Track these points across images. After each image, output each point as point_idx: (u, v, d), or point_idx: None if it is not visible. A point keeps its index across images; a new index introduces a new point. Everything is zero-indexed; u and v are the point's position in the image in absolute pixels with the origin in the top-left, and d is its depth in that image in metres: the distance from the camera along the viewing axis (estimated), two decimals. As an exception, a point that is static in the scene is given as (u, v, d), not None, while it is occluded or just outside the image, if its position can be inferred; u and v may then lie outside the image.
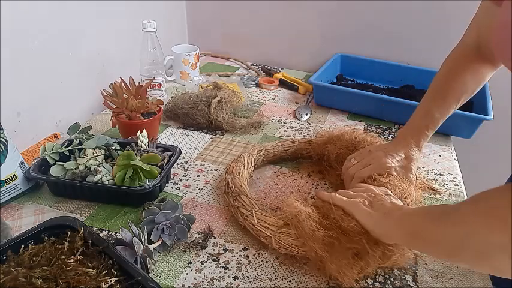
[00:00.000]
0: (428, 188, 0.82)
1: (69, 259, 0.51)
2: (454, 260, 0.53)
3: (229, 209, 0.72)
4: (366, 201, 0.62)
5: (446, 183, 0.84)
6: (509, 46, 0.45)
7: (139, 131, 0.79)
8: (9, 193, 0.71)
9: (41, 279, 0.47)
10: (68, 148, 0.75)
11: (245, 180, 0.75)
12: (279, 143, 0.87)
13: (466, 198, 0.80)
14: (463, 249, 0.45)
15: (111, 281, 0.49)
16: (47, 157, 0.73)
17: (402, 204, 0.62)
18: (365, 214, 0.59)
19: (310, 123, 1.05)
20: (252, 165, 0.81)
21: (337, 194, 0.65)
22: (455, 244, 0.46)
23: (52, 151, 0.74)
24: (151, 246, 0.61)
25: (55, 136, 0.94)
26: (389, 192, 0.66)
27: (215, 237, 0.67)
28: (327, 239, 0.59)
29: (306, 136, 0.99)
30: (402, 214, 0.57)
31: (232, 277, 0.60)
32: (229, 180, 0.73)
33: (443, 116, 0.74)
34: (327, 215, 0.63)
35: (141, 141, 0.78)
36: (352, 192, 0.66)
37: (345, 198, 0.63)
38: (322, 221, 0.62)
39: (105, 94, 0.86)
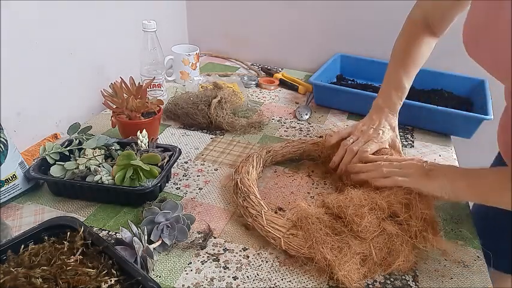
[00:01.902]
0: None
1: (69, 259, 0.51)
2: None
3: (234, 211, 0.72)
4: (423, 173, 0.68)
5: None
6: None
7: (139, 131, 0.79)
8: (9, 193, 0.71)
9: (41, 279, 0.47)
10: (68, 148, 0.75)
11: (254, 180, 0.75)
12: (288, 144, 0.87)
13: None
14: None
15: (111, 281, 0.49)
16: (47, 157, 0.73)
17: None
18: (426, 183, 0.66)
19: (310, 123, 1.05)
20: (261, 165, 0.81)
21: (389, 177, 0.70)
22: None
23: (52, 151, 0.74)
24: (151, 246, 0.61)
25: (55, 136, 0.94)
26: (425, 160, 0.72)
27: (215, 237, 0.67)
28: (336, 244, 0.59)
29: (306, 136, 0.99)
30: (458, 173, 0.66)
31: (232, 277, 0.60)
32: (239, 180, 0.74)
33: (409, 85, 0.83)
34: (338, 216, 0.63)
35: (141, 141, 0.78)
36: (391, 169, 0.71)
37: (399, 179, 0.68)
38: (332, 224, 0.63)
39: (105, 94, 0.86)
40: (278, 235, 0.63)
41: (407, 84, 0.82)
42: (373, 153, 0.79)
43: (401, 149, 0.84)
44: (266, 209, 0.67)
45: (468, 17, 0.59)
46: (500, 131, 0.72)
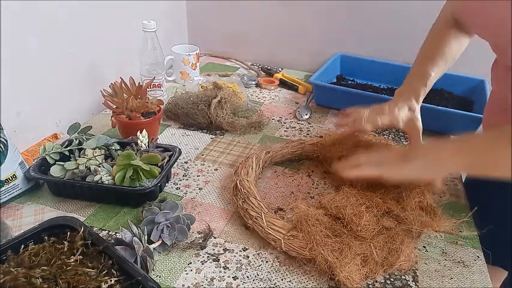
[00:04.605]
0: None
1: (69, 259, 0.51)
2: None
3: (234, 211, 0.72)
4: (399, 158, 0.65)
5: (446, 183, 0.84)
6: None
7: (139, 131, 0.79)
8: (9, 193, 0.71)
9: (41, 279, 0.47)
10: (68, 148, 0.75)
11: (253, 181, 0.75)
12: (287, 144, 0.87)
13: (466, 198, 0.80)
14: None
15: (111, 281, 0.49)
16: (47, 157, 0.73)
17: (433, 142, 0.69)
18: (406, 167, 0.63)
19: (310, 123, 1.05)
20: (260, 166, 0.81)
21: (360, 167, 0.67)
22: None
23: (52, 151, 0.74)
24: (151, 246, 0.61)
25: (55, 136, 0.94)
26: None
27: (215, 237, 0.67)
28: (337, 245, 0.59)
29: (306, 136, 0.99)
30: (456, 147, 0.61)
31: (232, 277, 0.60)
32: (238, 182, 0.73)
33: (437, 76, 0.80)
34: (337, 216, 0.63)
35: (141, 141, 0.78)
36: (366, 158, 0.68)
37: (374, 168, 0.65)
38: (332, 225, 0.63)
39: (105, 94, 0.86)
40: (278, 237, 0.63)
41: (433, 72, 0.78)
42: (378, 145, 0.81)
43: (420, 132, 0.80)
44: (266, 210, 0.67)
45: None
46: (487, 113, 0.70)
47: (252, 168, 0.78)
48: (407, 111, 0.80)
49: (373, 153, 0.71)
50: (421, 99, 0.81)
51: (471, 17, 0.64)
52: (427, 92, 0.80)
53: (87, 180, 0.71)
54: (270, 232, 0.63)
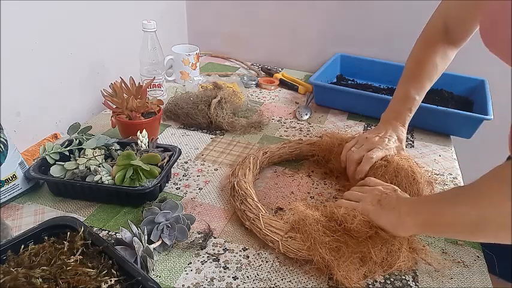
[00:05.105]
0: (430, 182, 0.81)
1: (69, 259, 0.51)
2: (477, 237, 0.53)
3: (234, 211, 0.72)
4: (374, 201, 0.63)
5: (446, 183, 0.84)
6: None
7: (139, 131, 0.79)
8: (9, 193, 0.71)
9: (41, 279, 0.47)
10: (68, 148, 0.75)
11: (251, 183, 0.75)
12: (284, 145, 0.87)
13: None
14: (486, 224, 0.47)
15: (111, 281, 0.49)
16: (47, 157, 0.73)
17: (409, 197, 0.65)
18: (376, 213, 0.61)
19: (310, 123, 1.05)
20: (258, 167, 0.81)
21: (343, 200, 0.67)
22: (477, 220, 0.48)
23: (52, 151, 0.74)
24: (151, 246, 0.61)
25: (55, 136, 0.94)
26: (396, 188, 0.67)
27: (215, 237, 0.67)
28: (334, 244, 0.59)
29: (306, 136, 0.99)
30: (413, 204, 0.60)
31: (232, 277, 0.60)
32: (235, 183, 0.73)
33: (421, 97, 0.80)
34: (331, 217, 0.63)
35: (141, 141, 0.78)
36: (359, 193, 0.67)
37: (353, 203, 0.65)
38: (329, 225, 0.63)
39: (105, 94, 0.86)
40: (276, 238, 0.62)
41: (418, 96, 0.79)
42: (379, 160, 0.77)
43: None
44: (264, 211, 0.67)
45: (485, 8, 0.55)
46: None
47: (249, 169, 0.78)
48: (397, 142, 0.80)
49: (357, 189, 0.69)
50: (407, 125, 0.82)
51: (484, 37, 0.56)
52: (411, 117, 0.82)
53: (87, 180, 0.71)
54: (268, 234, 0.63)
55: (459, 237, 0.66)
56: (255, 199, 0.70)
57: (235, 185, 0.73)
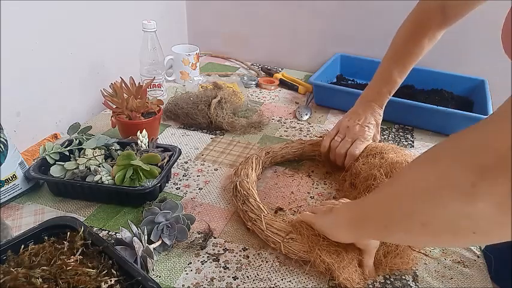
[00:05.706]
0: None
1: (69, 259, 0.51)
2: (409, 230, 0.44)
3: (234, 211, 0.72)
4: (327, 210, 0.61)
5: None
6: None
7: (139, 131, 0.79)
8: (9, 193, 0.71)
9: (41, 279, 0.47)
10: (68, 148, 0.75)
11: (253, 183, 0.75)
12: (287, 145, 0.87)
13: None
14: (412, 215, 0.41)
15: (111, 281, 0.49)
16: (47, 157, 0.73)
17: None
18: (317, 218, 0.61)
19: (310, 123, 1.05)
20: (260, 167, 0.81)
21: (306, 212, 0.65)
22: (408, 212, 0.41)
23: (52, 151, 0.74)
24: (151, 246, 0.61)
25: (55, 136, 0.94)
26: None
27: (215, 237, 0.67)
28: (333, 248, 0.59)
29: (306, 136, 0.99)
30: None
31: (232, 277, 0.60)
32: (238, 183, 0.73)
33: (402, 79, 0.81)
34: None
35: (141, 141, 0.78)
36: (321, 206, 0.66)
37: (309, 213, 0.64)
38: None
39: (105, 94, 0.86)
40: (278, 239, 0.62)
41: (400, 79, 0.80)
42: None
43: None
44: (266, 212, 0.67)
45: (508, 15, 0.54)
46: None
47: (252, 169, 0.78)
48: (374, 128, 0.83)
49: (324, 203, 0.68)
50: (384, 106, 0.84)
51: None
52: (389, 98, 0.84)
53: (87, 180, 0.71)
54: (270, 235, 0.63)
55: (394, 238, 0.57)
56: (257, 199, 0.70)
57: (238, 185, 0.73)
